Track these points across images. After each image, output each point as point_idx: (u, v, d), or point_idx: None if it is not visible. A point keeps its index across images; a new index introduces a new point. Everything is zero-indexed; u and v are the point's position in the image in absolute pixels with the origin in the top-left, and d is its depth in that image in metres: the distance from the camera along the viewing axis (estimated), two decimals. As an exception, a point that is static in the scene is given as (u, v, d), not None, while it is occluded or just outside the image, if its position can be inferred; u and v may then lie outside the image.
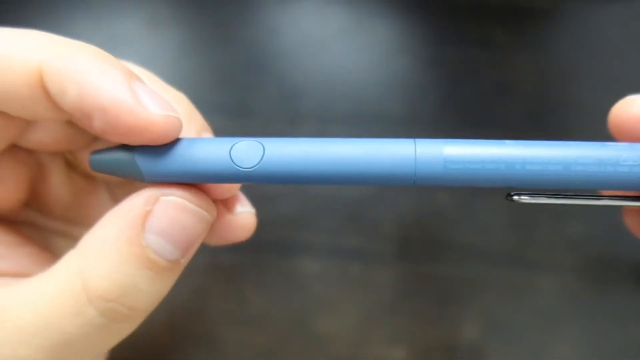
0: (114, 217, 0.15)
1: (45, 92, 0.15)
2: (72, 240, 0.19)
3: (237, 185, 0.18)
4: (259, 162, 0.15)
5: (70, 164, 0.20)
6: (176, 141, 0.16)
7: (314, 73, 0.37)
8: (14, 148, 0.18)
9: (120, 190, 0.21)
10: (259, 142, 0.16)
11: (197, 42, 0.38)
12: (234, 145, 0.16)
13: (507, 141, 0.17)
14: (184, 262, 0.16)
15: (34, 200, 0.20)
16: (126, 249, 0.15)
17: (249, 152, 0.16)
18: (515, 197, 0.16)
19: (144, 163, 0.15)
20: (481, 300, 0.31)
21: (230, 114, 0.35)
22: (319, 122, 0.35)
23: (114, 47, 0.37)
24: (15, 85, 0.15)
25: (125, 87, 0.15)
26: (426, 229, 0.33)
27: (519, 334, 0.31)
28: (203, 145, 0.16)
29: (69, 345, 0.15)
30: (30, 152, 0.19)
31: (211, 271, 0.32)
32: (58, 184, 0.20)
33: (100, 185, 0.21)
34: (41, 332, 0.15)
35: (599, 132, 0.36)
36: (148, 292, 0.15)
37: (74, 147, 0.19)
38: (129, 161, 0.15)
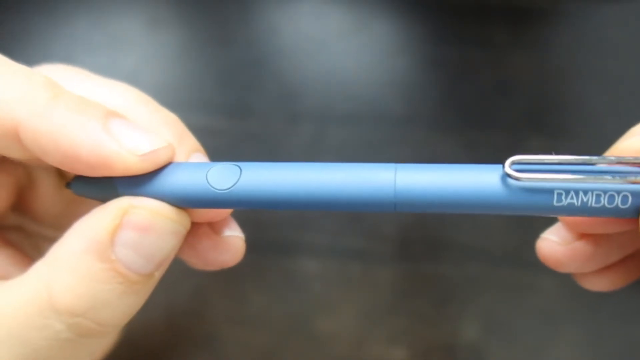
0: (82, 228, 0.15)
1: (20, 142, 0.15)
2: None
3: (227, 210, 0.18)
4: (235, 184, 0.15)
5: (62, 174, 0.20)
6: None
7: (314, 73, 0.37)
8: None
9: None
10: (237, 165, 0.16)
11: (197, 42, 0.38)
12: (211, 168, 0.16)
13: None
14: (158, 275, 0.16)
15: (23, 207, 0.19)
16: (94, 262, 0.14)
17: (226, 174, 0.15)
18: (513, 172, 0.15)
19: (125, 189, 0.15)
20: (481, 300, 0.31)
21: (230, 114, 0.35)
22: (319, 122, 0.35)
23: (114, 47, 0.37)
24: None
25: (102, 136, 0.14)
26: (426, 229, 0.33)
27: (519, 334, 0.31)
28: (183, 168, 0.16)
29: (36, 357, 0.14)
30: (17, 162, 0.19)
31: (211, 271, 0.32)
32: (48, 193, 0.19)
33: None
34: (7, 341, 0.14)
35: (599, 132, 0.36)
36: (118, 307, 0.15)
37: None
38: (110, 188, 0.15)
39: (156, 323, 0.30)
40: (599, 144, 0.35)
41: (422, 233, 0.33)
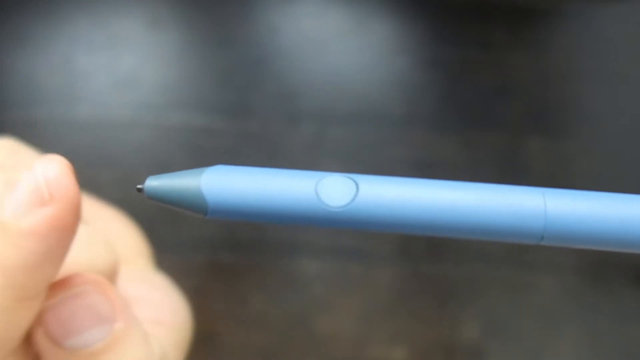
0: None
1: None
2: None
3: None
4: (351, 201, 0.13)
5: None
6: (249, 170, 0.14)
7: (314, 73, 0.37)
8: None
9: None
10: (351, 178, 0.13)
11: (197, 42, 0.38)
12: (321, 179, 0.13)
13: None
14: None
15: None
16: None
17: (339, 188, 0.13)
18: None
19: (211, 194, 0.13)
20: (481, 300, 0.31)
21: (230, 114, 0.35)
22: (319, 122, 0.35)
23: (114, 47, 0.37)
24: None
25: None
26: (426, 229, 0.33)
27: (519, 334, 0.31)
28: (284, 177, 0.14)
29: None
30: None
31: (211, 271, 0.32)
32: None
33: None
34: None
35: (599, 132, 0.36)
36: None
37: None
38: (194, 190, 0.13)
39: (156, 323, 0.30)
40: (599, 144, 0.35)
41: (422, 233, 0.33)
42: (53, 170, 0.14)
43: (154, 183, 0.14)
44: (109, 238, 0.19)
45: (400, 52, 0.38)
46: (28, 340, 0.16)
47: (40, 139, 0.33)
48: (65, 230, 0.14)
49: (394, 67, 0.37)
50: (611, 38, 0.38)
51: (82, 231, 0.15)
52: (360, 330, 0.31)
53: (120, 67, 0.37)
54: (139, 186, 0.14)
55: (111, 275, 0.18)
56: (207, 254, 0.32)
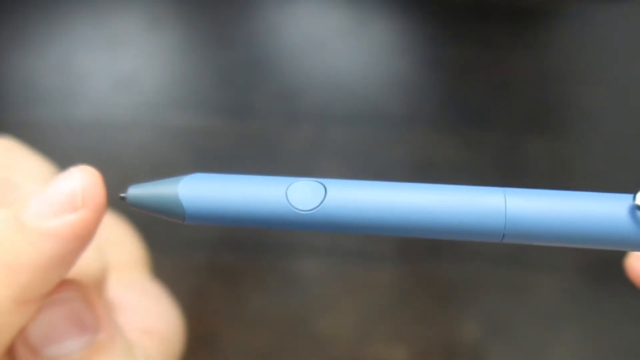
0: None
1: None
2: None
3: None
4: (319, 205, 0.14)
5: None
6: (224, 177, 0.14)
7: (314, 73, 0.37)
8: None
9: None
10: (320, 182, 0.14)
11: (197, 42, 0.38)
12: (291, 184, 0.14)
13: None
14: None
15: None
16: None
17: (308, 192, 0.14)
18: None
19: (187, 201, 0.14)
20: (481, 300, 0.31)
21: (230, 114, 0.35)
22: (319, 122, 0.35)
23: (114, 47, 0.37)
24: None
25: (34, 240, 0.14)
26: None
27: (519, 334, 0.31)
28: (258, 182, 0.14)
29: None
30: None
31: (211, 271, 0.32)
32: None
33: None
34: None
35: (599, 132, 0.36)
36: None
37: None
38: (172, 198, 0.14)
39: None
40: (599, 144, 0.35)
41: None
42: (89, 179, 0.14)
43: (136, 191, 0.14)
44: (103, 243, 0.18)
45: (400, 52, 0.38)
46: (9, 350, 0.15)
47: (40, 139, 0.33)
48: (86, 237, 0.14)
49: (394, 67, 0.37)
50: (611, 38, 0.38)
51: None
52: (360, 330, 0.31)
53: (120, 67, 0.37)
54: (122, 195, 0.15)
55: (100, 281, 0.18)
56: (206, 255, 0.32)
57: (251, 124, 0.35)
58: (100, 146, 0.34)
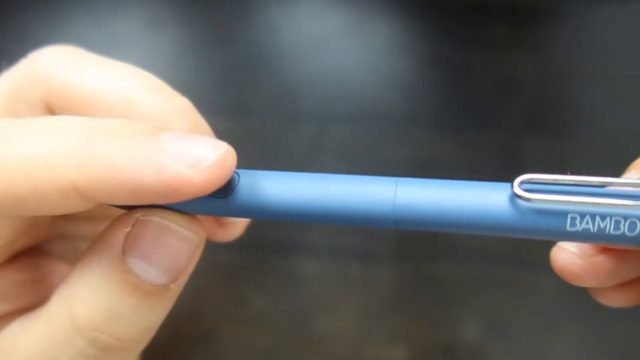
0: (96, 242, 0.15)
1: (79, 196, 0.14)
2: None
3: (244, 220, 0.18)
4: (231, 192, 0.15)
5: None
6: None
7: (313, 73, 0.37)
8: None
9: None
10: (236, 172, 0.15)
11: (197, 42, 0.38)
12: None
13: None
14: (176, 288, 0.15)
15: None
16: (107, 273, 0.14)
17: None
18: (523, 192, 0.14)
19: None
20: (481, 300, 0.31)
21: (230, 114, 0.35)
22: (319, 122, 0.35)
23: (114, 47, 0.37)
24: (48, 195, 0.13)
25: (163, 161, 0.13)
26: (426, 229, 0.33)
27: (519, 333, 0.31)
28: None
29: None
30: None
31: (211, 271, 0.32)
32: None
33: None
34: None
35: (599, 132, 0.36)
36: (134, 321, 0.14)
37: None
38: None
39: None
40: (599, 144, 0.35)
41: (422, 233, 0.33)
42: (228, 160, 0.14)
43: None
44: None
45: (400, 52, 0.38)
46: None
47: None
48: (176, 197, 0.13)
49: (394, 67, 0.37)
50: (611, 38, 0.38)
51: None
52: (360, 330, 0.31)
53: (120, 67, 0.36)
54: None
55: None
56: (206, 254, 0.32)
57: (251, 124, 0.35)
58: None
